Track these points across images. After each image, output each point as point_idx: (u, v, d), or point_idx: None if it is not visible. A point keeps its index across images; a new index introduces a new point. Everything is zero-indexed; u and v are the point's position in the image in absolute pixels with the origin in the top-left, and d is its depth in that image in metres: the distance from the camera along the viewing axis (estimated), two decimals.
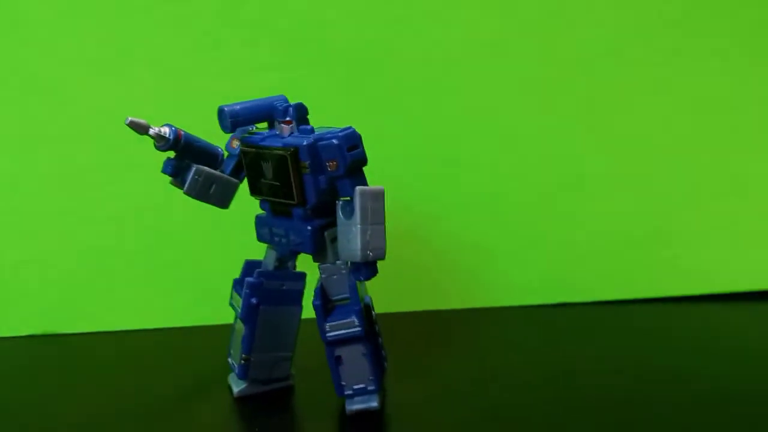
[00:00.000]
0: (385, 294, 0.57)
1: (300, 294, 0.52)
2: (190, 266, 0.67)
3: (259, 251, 0.54)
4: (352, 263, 0.46)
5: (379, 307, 0.53)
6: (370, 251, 0.45)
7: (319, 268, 0.49)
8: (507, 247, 0.70)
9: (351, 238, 0.45)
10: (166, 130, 0.46)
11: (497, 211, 0.69)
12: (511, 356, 0.60)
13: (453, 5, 0.67)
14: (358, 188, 0.44)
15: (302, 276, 0.52)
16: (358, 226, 0.44)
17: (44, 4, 0.64)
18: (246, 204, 0.51)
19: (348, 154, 0.44)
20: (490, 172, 0.69)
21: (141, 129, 0.45)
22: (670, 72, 0.69)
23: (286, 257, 0.51)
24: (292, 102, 0.48)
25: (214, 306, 0.65)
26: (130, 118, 0.44)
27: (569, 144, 0.69)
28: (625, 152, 0.69)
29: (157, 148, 0.47)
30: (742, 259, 0.70)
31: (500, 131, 0.69)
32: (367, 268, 0.45)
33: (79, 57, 0.65)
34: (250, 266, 0.53)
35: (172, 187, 0.49)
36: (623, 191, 0.70)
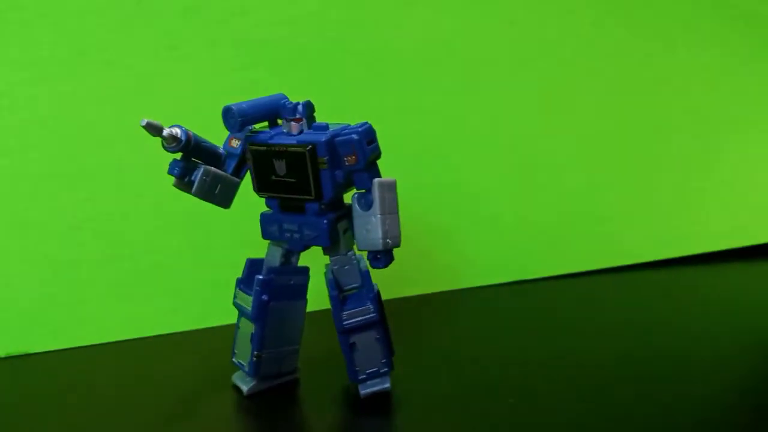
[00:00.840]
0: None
1: (305, 287, 0.53)
2: (181, 271, 0.66)
3: (253, 249, 0.54)
4: (370, 252, 0.48)
5: None
6: (389, 239, 0.47)
7: (330, 259, 0.51)
8: (469, 228, 0.75)
9: (371, 228, 0.47)
10: (177, 131, 0.46)
11: (460, 196, 0.74)
12: (487, 332, 0.65)
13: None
14: (376, 180, 0.47)
15: (306, 270, 0.53)
16: (378, 216, 0.47)
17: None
18: (237, 204, 0.52)
19: (367, 148, 0.46)
20: (454, 160, 0.73)
21: (156, 131, 0.44)
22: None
23: (292, 252, 0.52)
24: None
25: (201, 310, 0.64)
26: (146, 120, 0.43)
27: (524, 128, 0.75)
28: (578, 135, 0.76)
29: (168, 149, 0.46)
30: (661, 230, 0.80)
31: (455, 116, 0.73)
32: (386, 255, 0.48)
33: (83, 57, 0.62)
34: (252, 265, 0.54)
35: (173, 185, 0.49)
36: (573, 173, 0.77)
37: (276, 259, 0.53)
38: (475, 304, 0.72)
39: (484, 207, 0.75)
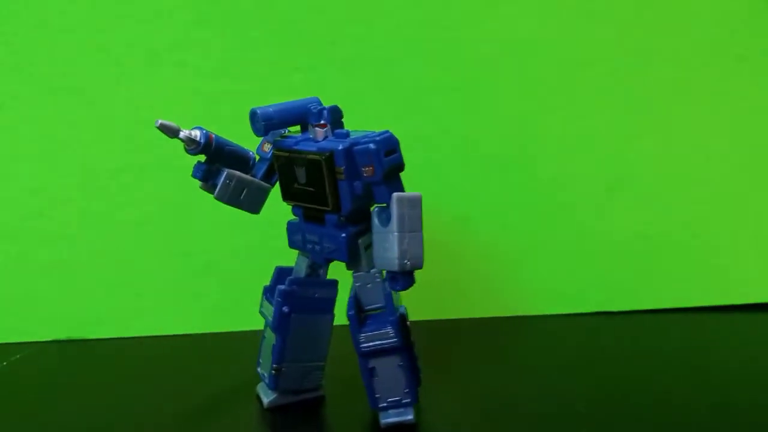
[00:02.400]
0: (416, 301, 0.55)
1: (332, 302, 0.51)
2: (218, 271, 0.66)
3: (289, 258, 0.52)
4: (388, 272, 0.44)
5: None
6: (408, 260, 0.43)
7: (352, 276, 0.47)
8: (539, 253, 0.68)
9: (388, 246, 0.43)
10: (196, 134, 0.45)
11: (528, 216, 0.67)
12: (546, 366, 0.58)
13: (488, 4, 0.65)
14: (395, 195, 0.42)
15: (334, 284, 0.50)
16: (395, 233, 0.42)
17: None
18: (277, 209, 0.50)
19: (385, 159, 0.42)
20: (522, 175, 0.67)
21: (171, 132, 0.43)
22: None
23: (318, 264, 0.50)
24: (326, 105, 0.47)
25: (243, 312, 0.64)
26: (160, 121, 0.43)
27: (609, 147, 0.67)
28: (670, 155, 0.67)
29: (188, 151, 0.45)
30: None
31: (535, 132, 0.66)
32: (404, 277, 0.43)
33: (106, 58, 0.64)
34: (280, 273, 0.52)
35: (200, 190, 0.48)
36: (664, 195, 0.67)
37: (302, 270, 0.50)
38: (540, 333, 0.65)
39: (563, 226, 0.67)
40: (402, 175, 0.45)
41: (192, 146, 0.45)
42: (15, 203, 0.65)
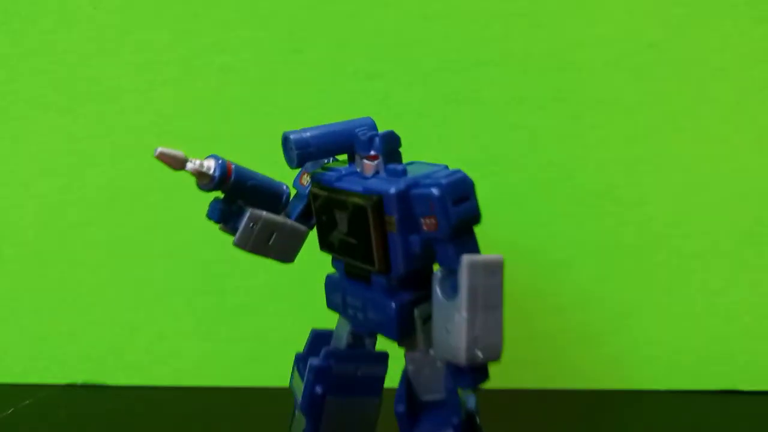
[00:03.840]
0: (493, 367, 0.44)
1: (380, 381, 0.39)
2: (253, 314, 0.57)
3: (330, 317, 0.42)
4: (450, 363, 0.32)
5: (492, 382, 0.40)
6: (480, 350, 0.31)
7: (405, 356, 0.36)
8: (649, 314, 0.54)
9: (452, 328, 0.31)
10: (210, 164, 0.35)
11: (641, 265, 0.54)
12: None
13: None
14: (466, 258, 0.31)
15: (384, 358, 0.39)
16: (464, 314, 0.31)
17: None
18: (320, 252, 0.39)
19: (453, 209, 0.30)
20: (631, 215, 0.53)
21: (175, 163, 0.33)
22: None
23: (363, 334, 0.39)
24: (380, 129, 0.36)
25: (278, 365, 0.54)
26: (160, 149, 0.33)
27: (747, 185, 0.52)
28: None
29: (200, 187, 0.36)
30: None
31: (650, 163, 0.53)
32: (473, 372, 0.32)
33: (128, 71, 0.56)
34: (317, 339, 0.41)
35: (220, 230, 0.38)
36: None
37: (342, 338, 0.39)
38: (650, 413, 0.52)
39: (682, 282, 0.53)
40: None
41: (204, 181, 0.35)
42: (30, 235, 0.58)
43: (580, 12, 0.52)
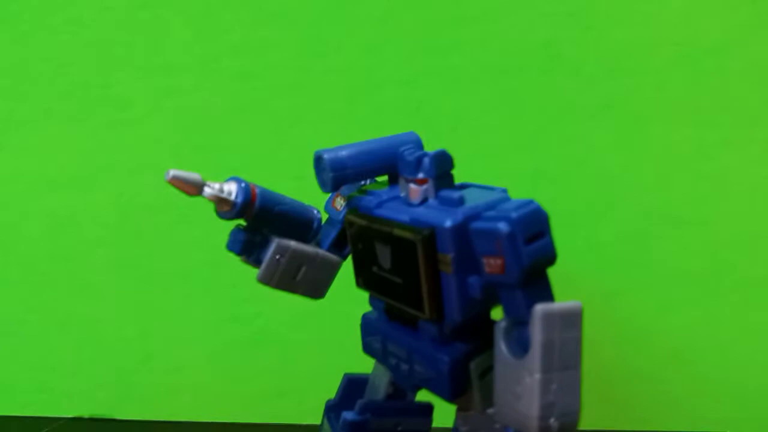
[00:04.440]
0: None
1: None
2: (274, 342, 0.52)
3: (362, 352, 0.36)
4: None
5: None
6: (555, 418, 0.25)
7: (456, 415, 0.31)
8: (723, 350, 0.48)
9: (522, 392, 0.26)
10: (231, 189, 0.30)
11: (714, 294, 0.48)
12: None
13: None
14: (540, 309, 0.25)
15: (428, 410, 0.34)
16: (538, 375, 0.25)
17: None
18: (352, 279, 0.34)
19: (526, 249, 0.25)
20: (695, 235, 0.47)
21: (191, 188, 0.28)
22: None
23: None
24: (435, 148, 0.30)
25: (303, 399, 0.49)
26: (172, 172, 0.28)
27: None
28: None
29: (220, 215, 0.31)
30: None
31: (716, 178, 0.47)
32: None
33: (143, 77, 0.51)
34: (350, 385, 0.36)
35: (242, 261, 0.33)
36: None
37: (380, 388, 0.34)
38: None
39: (752, 313, 0.47)
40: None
41: (225, 208, 0.30)
42: (37, 255, 0.53)
43: (632, 12, 0.46)
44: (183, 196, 0.49)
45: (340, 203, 0.34)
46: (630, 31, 0.47)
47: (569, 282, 0.48)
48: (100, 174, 0.52)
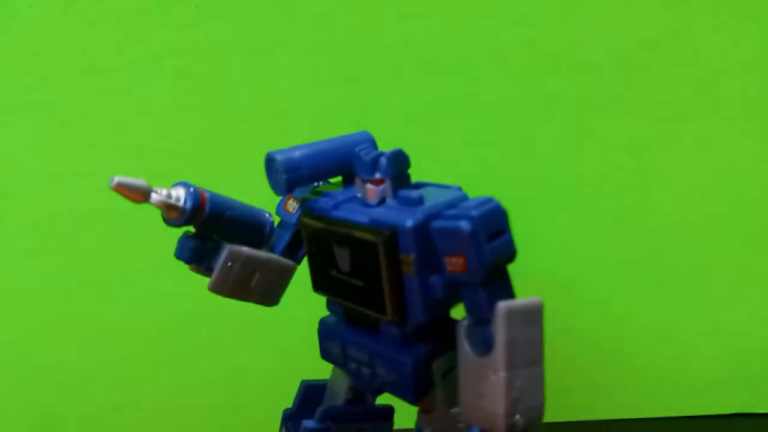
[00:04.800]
0: None
1: None
2: (219, 363, 0.50)
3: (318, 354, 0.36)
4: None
5: None
6: (521, 414, 0.26)
7: (418, 417, 0.30)
8: (664, 334, 0.50)
9: (487, 390, 0.26)
10: (179, 194, 0.28)
11: (658, 279, 0.49)
12: None
13: None
14: (503, 306, 0.25)
15: (389, 413, 0.34)
16: (503, 374, 0.25)
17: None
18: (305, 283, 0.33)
19: (488, 246, 0.25)
20: (638, 224, 0.49)
21: (136, 195, 0.27)
22: None
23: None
24: (382, 147, 0.30)
25: (245, 415, 0.48)
26: (117, 179, 0.26)
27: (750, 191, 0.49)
28: None
29: (168, 222, 0.29)
30: None
31: (659, 165, 0.49)
32: None
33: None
34: (308, 391, 0.35)
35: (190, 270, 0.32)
36: None
37: (340, 393, 0.33)
38: None
39: (695, 295, 0.50)
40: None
41: (173, 215, 0.28)
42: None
43: (571, 11, 0.48)
44: (121, 201, 0.47)
45: (292, 206, 0.33)
46: (572, 25, 0.48)
47: (528, 275, 0.49)
48: (25, 182, 0.48)
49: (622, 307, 0.50)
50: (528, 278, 0.49)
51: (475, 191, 0.30)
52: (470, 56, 0.48)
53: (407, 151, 0.29)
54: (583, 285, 0.50)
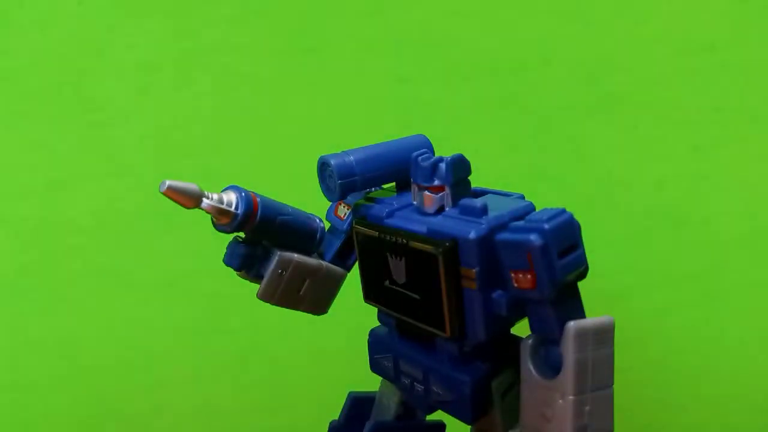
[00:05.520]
0: None
1: None
2: (260, 366, 0.49)
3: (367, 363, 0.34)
4: None
5: None
6: None
7: None
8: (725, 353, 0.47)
9: (553, 415, 0.24)
10: (231, 199, 0.27)
11: (718, 291, 0.47)
12: None
13: None
14: (574, 326, 0.24)
15: (441, 429, 0.32)
16: (571, 398, 0.24)
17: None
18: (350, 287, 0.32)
19: (559, 263, 0.23)
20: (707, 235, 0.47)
21: (188, 200, 0.26)
22: None
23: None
24: (439, 151, 0.28)
25: (287, 419, 0.47)
26: (168, 183, 0.25)
27: None
28: None
29: (218, 228, 0.28)
30: None
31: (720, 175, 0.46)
32: None
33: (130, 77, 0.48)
34: (356, 404, 0.34)
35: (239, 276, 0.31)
36: None
37: (390, 408, 0.32)
38: None
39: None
40: None
41: (224, 220, 0.27)
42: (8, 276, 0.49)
43: (629, 12, 0.45)
44: (166, 202, 0.46)
45: (343, 211, 0.32)
46: (628, 28, 0.45)
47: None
48: (69, 180, 0.48)
49: (678, 320, 0.48)
50: (580, 288, 0.47)
51: (526, 197, 0.28)
52: (522, 56, 0.46)
53: (453, 152, 0.28)
54: (640, 296, 0.48)
